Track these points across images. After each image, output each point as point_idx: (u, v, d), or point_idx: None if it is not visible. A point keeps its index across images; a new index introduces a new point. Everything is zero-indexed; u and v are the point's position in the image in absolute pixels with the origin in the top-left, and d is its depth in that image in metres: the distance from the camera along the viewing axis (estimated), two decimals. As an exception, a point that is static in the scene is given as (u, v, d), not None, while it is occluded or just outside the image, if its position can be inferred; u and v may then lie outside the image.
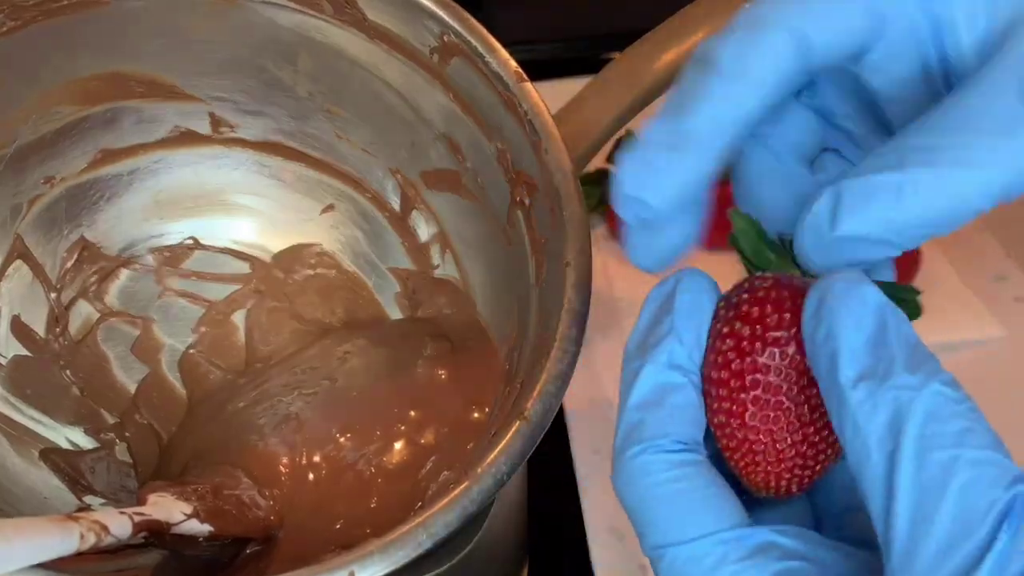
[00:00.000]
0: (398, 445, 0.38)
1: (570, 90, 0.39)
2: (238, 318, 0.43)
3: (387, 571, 0.24)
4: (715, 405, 0.22)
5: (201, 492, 0.33)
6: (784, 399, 0.21)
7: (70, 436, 0.38)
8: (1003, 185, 0.18)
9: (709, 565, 0.19)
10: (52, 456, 0.36)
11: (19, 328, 0.38)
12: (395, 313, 0.43)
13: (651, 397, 0.21)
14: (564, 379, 0.28)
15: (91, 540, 0.26)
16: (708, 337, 0.22)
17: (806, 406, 0.21)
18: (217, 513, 0.33)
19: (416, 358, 0.40)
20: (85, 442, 0.38)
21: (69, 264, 0.40)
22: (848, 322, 0.18)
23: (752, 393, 0.21)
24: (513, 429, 0.27)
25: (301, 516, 0.36)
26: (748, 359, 0.21)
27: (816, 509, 0.24)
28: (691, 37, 0.34)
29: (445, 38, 0.33)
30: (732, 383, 0.21)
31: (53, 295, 0.39)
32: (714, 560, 0.19)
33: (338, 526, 0.35)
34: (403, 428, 0.38)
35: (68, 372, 0.39)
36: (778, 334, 0.21)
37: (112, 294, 0.41)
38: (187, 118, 0.40)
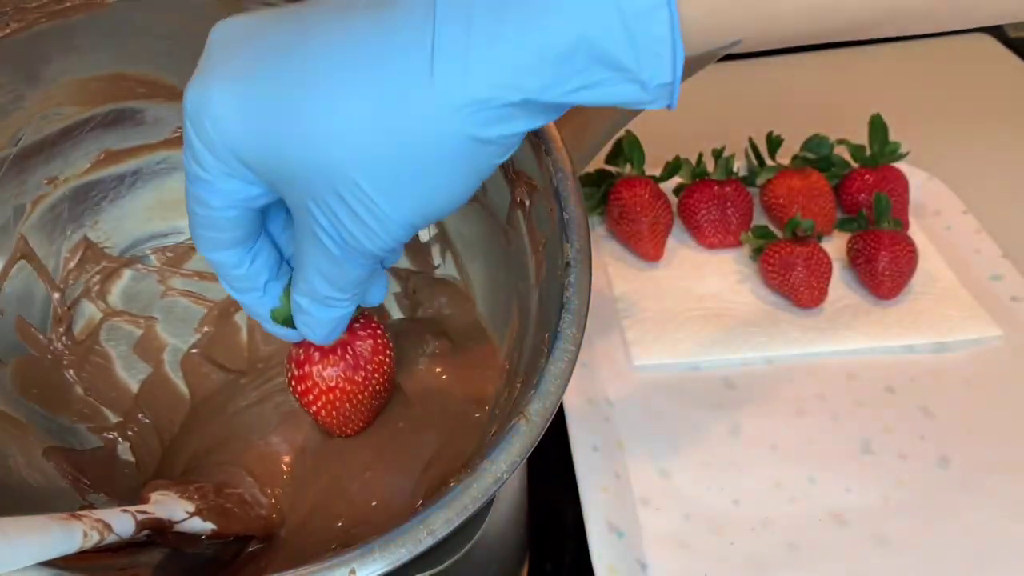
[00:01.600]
0: (399, 444, 0.38)
1: (570, 91, 0.39)
2: (240, 318, 0.43)
3: (388, 569, 0.25)
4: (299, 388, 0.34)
5: (203, 491, 0.34)
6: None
7: (73, 435, 0.38)
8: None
9: None
10: (55, 455, 0.37)
11: (22, 328, 0.38)
12: (395, 313, 0.43)
13: None
14: (564, 379, 0.28)
15: (94, 538, 0.26)
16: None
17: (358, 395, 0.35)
18: (219, 511, 0.33)
19: (417, 357, 0.40)
20: (88, 441, 0.39)
21: (72, 264, 0.40)
22: None
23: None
24: (513, 428, 0.27)
25: (302, 514, 0.36)
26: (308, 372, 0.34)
27: None
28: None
29: (446, 40, 0.33)
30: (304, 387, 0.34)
31: (56, 295, 0.39)
32: None
33: (339, 524, 0.36)
34: (403, 426, 0.38)
35: (71, 372, 0.39)
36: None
37: (115, 294, 0.41)
38: (189, 119, 0.40)
